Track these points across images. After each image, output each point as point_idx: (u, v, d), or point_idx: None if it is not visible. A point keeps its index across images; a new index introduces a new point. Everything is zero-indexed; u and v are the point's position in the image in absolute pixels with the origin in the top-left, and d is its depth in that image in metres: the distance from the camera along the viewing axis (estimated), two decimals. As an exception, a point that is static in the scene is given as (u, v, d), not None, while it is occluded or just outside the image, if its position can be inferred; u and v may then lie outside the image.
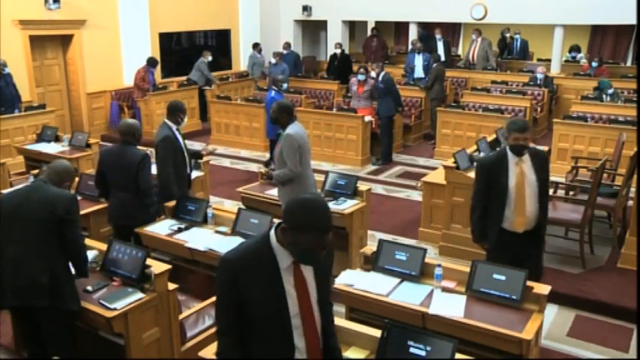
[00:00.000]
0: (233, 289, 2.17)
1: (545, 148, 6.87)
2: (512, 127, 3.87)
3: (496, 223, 4.02)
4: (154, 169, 5.00)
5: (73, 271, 3.50)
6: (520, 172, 3.92)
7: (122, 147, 4.68)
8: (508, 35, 13.64)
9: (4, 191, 5.38)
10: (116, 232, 4.86)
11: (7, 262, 3.37)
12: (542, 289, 3.41)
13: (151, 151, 4.99)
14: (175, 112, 5.06)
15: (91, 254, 3.80)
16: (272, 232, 2.22)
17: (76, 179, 5.34)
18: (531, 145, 4.07)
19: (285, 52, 12.55)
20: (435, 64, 10.28)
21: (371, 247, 3.99)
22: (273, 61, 11.57)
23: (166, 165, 4.94)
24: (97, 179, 4.83)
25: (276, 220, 4.44)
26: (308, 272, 2.25)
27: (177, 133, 5.05)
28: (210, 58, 11.75)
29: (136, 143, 4.73)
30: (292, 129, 4.80)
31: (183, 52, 12.91)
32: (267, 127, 7.96)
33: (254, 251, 2.22)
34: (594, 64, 11.32)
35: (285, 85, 8.63)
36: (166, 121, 5.07)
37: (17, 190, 3.73)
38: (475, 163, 4.11)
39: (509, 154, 3.94)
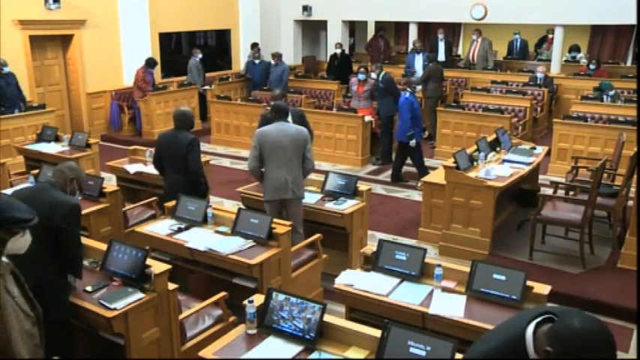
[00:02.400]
0: None
1: (545, 148, 6.89)
2: None
3: None
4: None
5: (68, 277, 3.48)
6: None
7: (175, 132, 5.14)
8: (551, 36, 13.67)
9: (8, 190, 5.37)
10: None
11: None
12: (542, 289, 3.40)
13: (150, 151, 5.08)
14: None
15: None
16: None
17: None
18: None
19: (257, 61, 12.03)
20: (430, 64, 10.28)
21: (371, 247, 3.98)
22: (272, 62, 11.56)
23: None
24: (155, 161, 5.34)
25: (277, 220, 4.48)
26: None
27: None
28: (200, 56, 11.62)
29: (187, 129, 5.13)
30: (266, 126, 5.02)
31: (184, 52, 12.91)
32: (399, 129, 7.77)
33: None
34: (592, 66, 11.25)
35: (418, 88, 8.33)
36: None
37: (24, 189, 3.71)
38: None
39: None
